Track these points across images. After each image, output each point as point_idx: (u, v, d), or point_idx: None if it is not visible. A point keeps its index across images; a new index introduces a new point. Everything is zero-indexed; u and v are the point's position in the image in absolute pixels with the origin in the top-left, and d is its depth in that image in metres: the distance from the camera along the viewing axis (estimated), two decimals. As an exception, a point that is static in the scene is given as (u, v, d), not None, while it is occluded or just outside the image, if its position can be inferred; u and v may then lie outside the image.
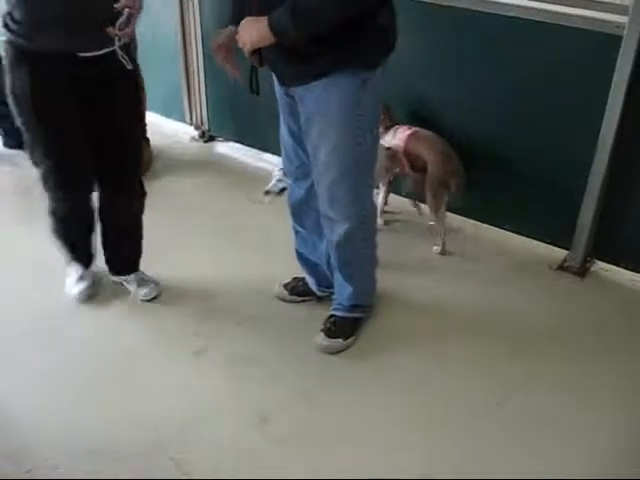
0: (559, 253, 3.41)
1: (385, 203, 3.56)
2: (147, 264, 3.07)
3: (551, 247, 3.43)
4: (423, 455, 2.35)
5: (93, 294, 3.04)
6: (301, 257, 2.91)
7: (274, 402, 2.54)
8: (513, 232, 3.48)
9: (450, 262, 3.36)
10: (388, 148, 3.29)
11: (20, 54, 2.44)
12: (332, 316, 2.80)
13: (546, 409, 2.55)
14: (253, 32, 2.19)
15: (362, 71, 2.29)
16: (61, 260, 2.99)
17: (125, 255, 3.06)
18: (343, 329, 2.76)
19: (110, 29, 2.40)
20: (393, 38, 2.36)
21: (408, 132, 3.29)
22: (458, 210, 3.53)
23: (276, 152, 3.77)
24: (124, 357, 2.75)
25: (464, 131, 3.39)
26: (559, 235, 3.39)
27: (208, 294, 3.07)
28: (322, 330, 2.77)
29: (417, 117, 3.47)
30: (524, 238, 3.47)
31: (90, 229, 2.95)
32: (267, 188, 3.75)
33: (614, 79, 2.94)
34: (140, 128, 3.21)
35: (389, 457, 2.34)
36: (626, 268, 3.30)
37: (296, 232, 2.86)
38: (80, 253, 3.00)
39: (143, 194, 2.90)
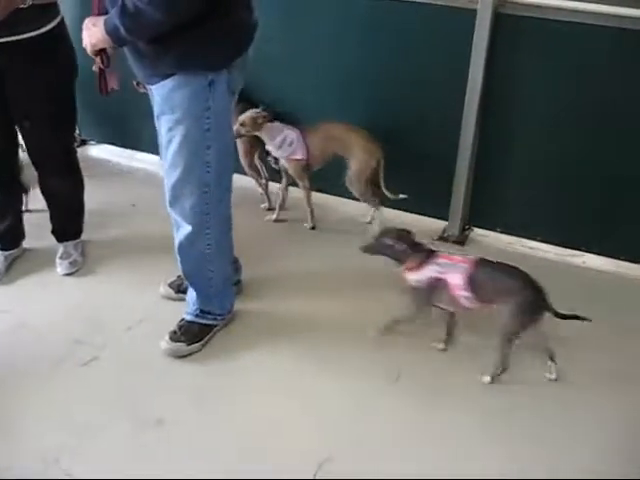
0: (438, 224, 3.42)
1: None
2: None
3: (430, 219, 3.43)
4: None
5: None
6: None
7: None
8: (392, 208, 3.42)
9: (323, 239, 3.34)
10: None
11: None
12: (182, 319, 2.71)
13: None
14: (92, 34, 2.16)
15: (208, 72, 2.23)
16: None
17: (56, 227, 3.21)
18: (188, 334, 2.67)
19: None
20: (243, 40, 2.31)
21: None
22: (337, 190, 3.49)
23: (151, 150, 3.66)
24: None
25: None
26: (436, 207, 3.40)
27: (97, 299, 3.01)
28: (169, 332, 2.68)
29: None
30: (402, 212, 3.43)
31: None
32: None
33: (472, 51, 2.99)
34: None
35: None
36: (502, 232, 3.34)
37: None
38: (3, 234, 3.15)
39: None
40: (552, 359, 2.52)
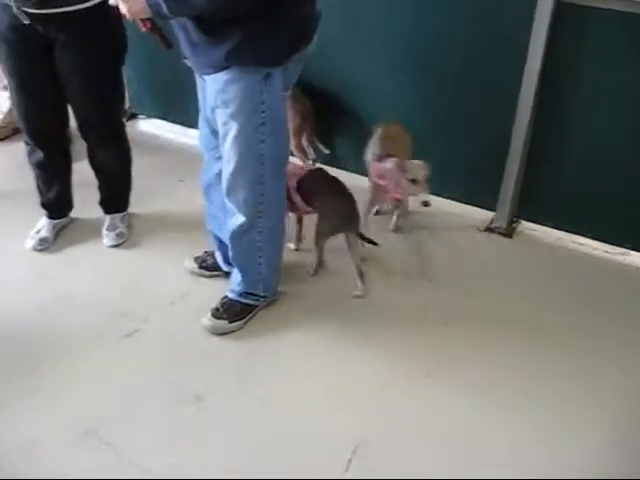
0: (486, 215, 3.37)
1: None
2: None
3: (478, 209, 3.37)
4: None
5: (43, 248, 3.13)
6: (210, 232, 2.85)
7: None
8: (437, 195, 3.31)
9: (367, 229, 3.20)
10: None
11: None
12: (225, 297, 2.72)
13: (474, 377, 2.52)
14: (133, 3, 2.11)
15: (263, 67, 2.21)
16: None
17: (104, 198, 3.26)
18: (230, 312, 2.67)
19: None
20: (302, 35, 2.27)
21: None
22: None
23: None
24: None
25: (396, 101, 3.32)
26: (485, 197, 3.33)
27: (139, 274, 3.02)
28: (211, 309, 2.69)
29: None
30: (449, 201, 3.38)
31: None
32: None
33: (532, 37, 2.89)
34: None
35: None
36: (551, 227, 3.27)
37: (207, 207, 2.81)
38: (46, 201, 3.18)
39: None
40: (361, 278, 2.88)
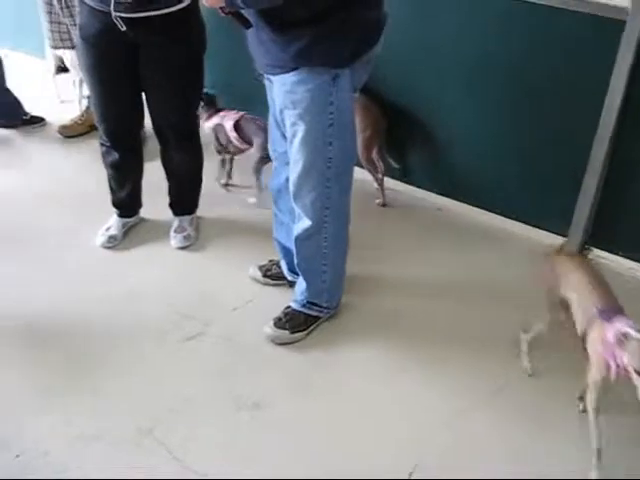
0: (557, 240, 3.20)
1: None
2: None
3: (548, 233, 3.27)
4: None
5: (112, 246, 3.20)
6: (276, 240, 2.85)
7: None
8: (506, 217, 3.33)
9: (432, 245, 3.25)
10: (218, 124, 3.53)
11: None
12: (288, 307, 2.72)
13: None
14: None
15: (332, 68, 2.21)
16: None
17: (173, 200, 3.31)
18: (293, 322, 2.67)
19: None
20: (370, 37, 2.27)
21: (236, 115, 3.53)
22: (445, 191, 3.45)
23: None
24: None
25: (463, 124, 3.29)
26: (557, 222, 3.24)
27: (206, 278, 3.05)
28: (274, 318, 2.69)
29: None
30: (518, 223, 3.32)
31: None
32: None
33: (616, 64, 2.82)
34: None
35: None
36: (623, 256, 3.16)
37: (274, 215, 2.81)
38: (117, 200, 3.25)
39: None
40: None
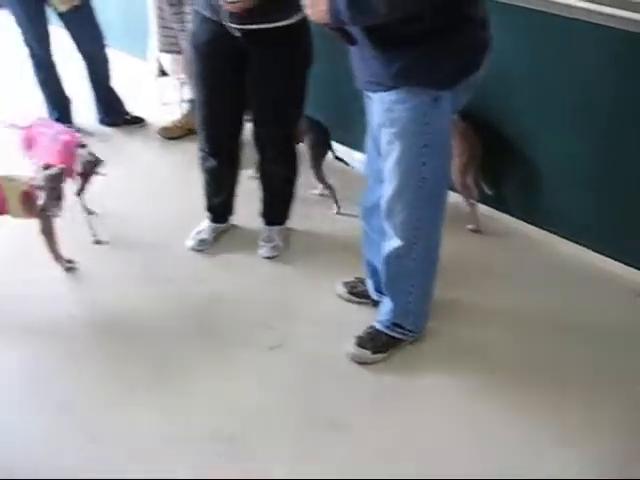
0: None
1: None
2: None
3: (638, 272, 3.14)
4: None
5: (202, 249, 3.25)
6: (365, 257, 2.83)
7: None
8: (602, 254, 3.21)
9: (523, 276, 3.16)
10: None
11: None
12: (371, 326, 2.69)
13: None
14: (316, 12, 2.09)
15: (432, 89, 2.18)
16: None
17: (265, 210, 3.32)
18: (375, 342, 2.64)
19: None
20: (475, 59, 2.22)
21: None
22: (539, 222, 3.37)
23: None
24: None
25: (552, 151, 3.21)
26: None
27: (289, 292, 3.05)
28: (356, 337, 2.66)
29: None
30: (615, 262, 3.18)
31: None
32: None
33: None
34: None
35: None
36: None
37: (365, 232, 2.78)
38: (210, 206, 3.30)
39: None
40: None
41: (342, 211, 3.53)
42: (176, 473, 2.21)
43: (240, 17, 2.60)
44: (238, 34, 2.66)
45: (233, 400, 2.49)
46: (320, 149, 3.49)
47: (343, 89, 3.14)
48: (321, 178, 3.53)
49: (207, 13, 2.71)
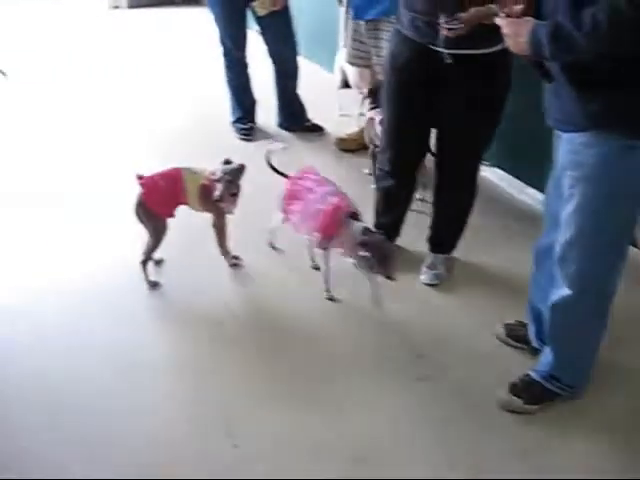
0: None
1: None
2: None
3: None
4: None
5: None
6: (530, 302, 2.70)
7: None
8: None
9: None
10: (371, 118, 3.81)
11: None
12: (527, 375, 2.56)
13: None
14: (515, 40, 2.04)
15: (628, 136, 2.03)
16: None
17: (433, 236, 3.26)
18: (529, 392, 2.51)
19: None
20: None
21: None
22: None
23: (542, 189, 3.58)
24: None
25: None
26: None
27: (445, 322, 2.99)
28: (510, 383, 2.55)
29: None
30: None
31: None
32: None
33: None
34: None
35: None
36: None
37: (533, 275, 2.66)
38: (378, 224, 3.25)
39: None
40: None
41: (513, 247, 3.40)
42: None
43: (453, 42, 2.57)
44: (449, 59, 2.63)
45: (373, 425, 2.46)
46: None
47: (528, 123, 3.03)
48: None
49: (410, 33, 2.70)
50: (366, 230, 2.80)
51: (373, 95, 3.95)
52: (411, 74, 2.79)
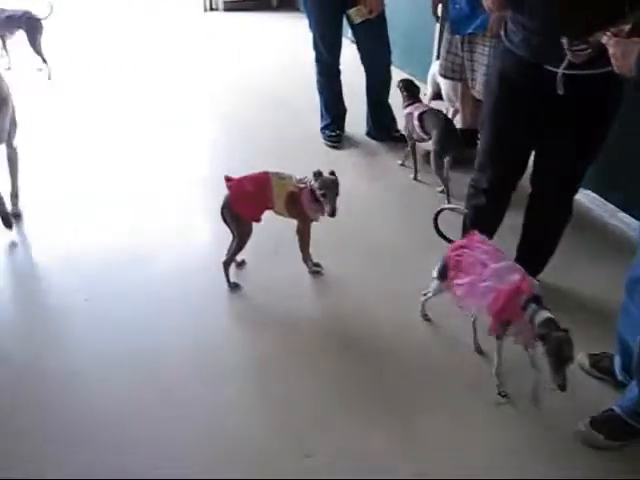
0: None
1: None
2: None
3: None
4: None
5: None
6: (618, 333, 2.58)
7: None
8: None
9: None
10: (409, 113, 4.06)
11: None
12: (610, 410, 2.46)
13: None
14: (625, 58, 2.01)
15: None
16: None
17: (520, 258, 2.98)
18: (611, 428, 2.41)
19: None
20: None
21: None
22: None
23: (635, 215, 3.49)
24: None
25: None
26: None
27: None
28: (591, 417, 2.45)
29: None
30: None
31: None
32: None
33: None
34: None
35: None
36: None
37: (624, 306, 2.52)
38: None
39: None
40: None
41: (601, 274, 3.27)
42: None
43: (576, 65, 2.46)
44: (561, 90, 2.51)
45: (443, 447, 2.42)
46: (443, 146, 3.80)
47: (623, 145, 2.97)
48: (439, 174, 3.86)
49: (520, 52, 2.60)
50: (549, 321, 2.33)
51: (409, 90, 4.17)
52: (520, 92, 2.68)
